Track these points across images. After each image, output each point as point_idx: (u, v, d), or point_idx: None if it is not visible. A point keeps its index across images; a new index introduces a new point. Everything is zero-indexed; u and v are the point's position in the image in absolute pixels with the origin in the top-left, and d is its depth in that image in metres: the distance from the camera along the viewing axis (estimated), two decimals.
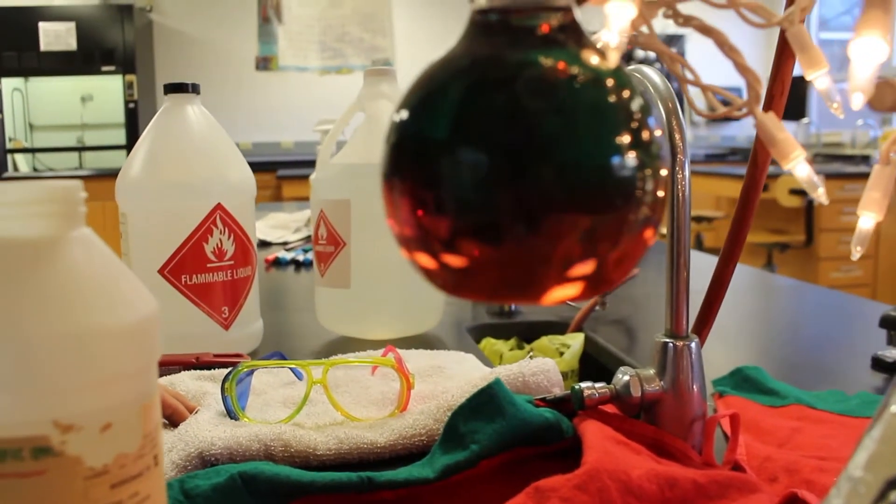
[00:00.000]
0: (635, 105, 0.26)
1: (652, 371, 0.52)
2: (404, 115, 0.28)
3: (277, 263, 1.47)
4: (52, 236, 0.27)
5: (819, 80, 0.27)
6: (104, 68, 4.74)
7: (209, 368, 0.73)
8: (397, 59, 5.50)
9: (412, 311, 0.91)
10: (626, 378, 0.52)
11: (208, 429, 0.53)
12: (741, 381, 0.67)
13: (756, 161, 0.45)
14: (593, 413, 0.52)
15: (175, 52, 5.24)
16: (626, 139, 0.25)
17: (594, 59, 0.26)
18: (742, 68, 0.26)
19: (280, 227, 1.89)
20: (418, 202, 0.27)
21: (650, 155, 0.26)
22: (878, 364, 0.75)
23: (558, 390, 0.62)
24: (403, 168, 0.27)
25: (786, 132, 0.26)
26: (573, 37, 0.27)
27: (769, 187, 4.10)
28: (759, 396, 0.64)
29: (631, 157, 0.25)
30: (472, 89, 0.26)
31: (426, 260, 0.28)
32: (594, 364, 0.92)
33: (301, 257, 1.47)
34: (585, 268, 0.26)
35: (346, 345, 0.87)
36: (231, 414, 0.58)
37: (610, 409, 0.54)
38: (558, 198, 0.25)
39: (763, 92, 0.26)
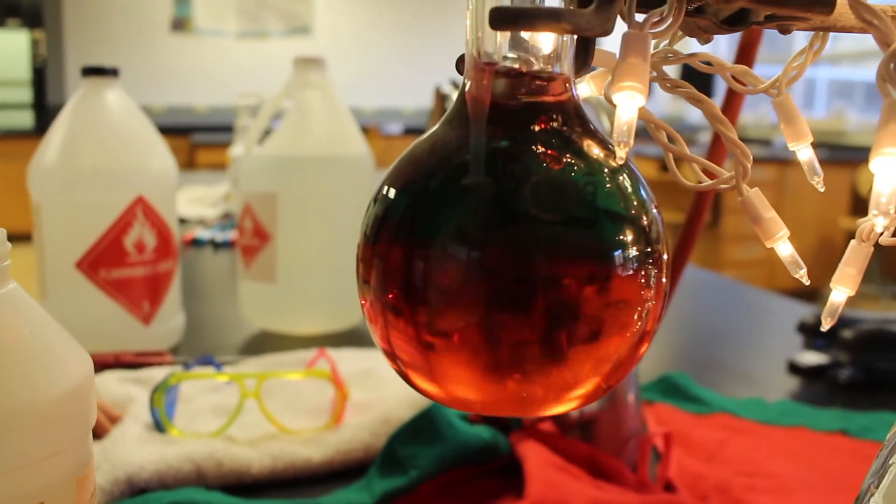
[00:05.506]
0: (649, 212, 0.25)
1: None
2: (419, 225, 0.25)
3: (195, 243, 1.43)
4: None
5: (802, 151, 0.26)
6: (8, 21, 4.50)
7: (132, 368, 0.70)
8: (316, 26, 5.38)
9: (338, 306, 0.89)
10: None
11: (136, 448, 0.51)
12: (669, 388, 0.68)
13: (700, 192, 0.44)
14: (530, 430, 0.52)
15: (86, 10, 4.99)
16: (644, 256, 0.24)
17: (602, 154, 0.25)
18: (731, 142, 0.26)
19: (197, 201, 1.84)
20: (421, 338, 0.24)
21: (663, 270, 0.25)
22: (795, 369, 0.77)
23: None
24: (406, 295, 0.24)
25: (772, 211, 0.26)
26: (580, 125, 0.25)
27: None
28: (685, 404, 0.66)
29: (650, 277, 0.24)
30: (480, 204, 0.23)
31: (430, 387, 0.25)
32: None
33: (220, 237, 1.43)
34: (591, 385, 0.25)
35: (272, 340, 0.85)
36: (160, 427, 0.55)
37: (546, 425, 0.54)
38: (592, 322, 0.23)
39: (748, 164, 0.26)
